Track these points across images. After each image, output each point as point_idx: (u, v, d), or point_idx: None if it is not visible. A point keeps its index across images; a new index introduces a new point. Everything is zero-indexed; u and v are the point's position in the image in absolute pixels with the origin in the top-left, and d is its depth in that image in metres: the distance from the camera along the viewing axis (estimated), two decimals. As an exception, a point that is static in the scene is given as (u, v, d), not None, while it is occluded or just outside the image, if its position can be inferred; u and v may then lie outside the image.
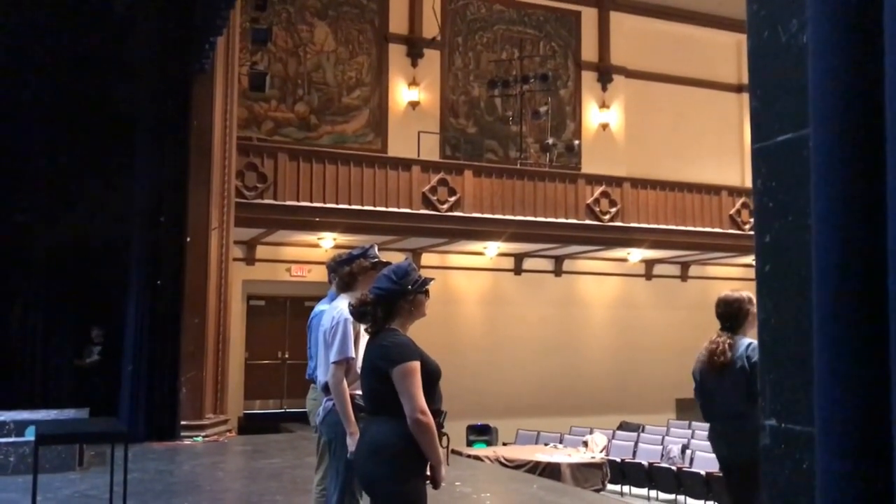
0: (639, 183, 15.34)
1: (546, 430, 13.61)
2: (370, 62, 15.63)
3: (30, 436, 7.19)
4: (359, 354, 3.75)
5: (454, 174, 13.94)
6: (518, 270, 16.42)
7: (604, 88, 17.45)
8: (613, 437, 13.21)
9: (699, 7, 17.69)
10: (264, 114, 14.70)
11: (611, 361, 16.60)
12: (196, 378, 10.13)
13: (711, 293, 17.29)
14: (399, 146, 15.10)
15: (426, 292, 3.20)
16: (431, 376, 3.04)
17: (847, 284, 1.12)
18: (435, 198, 13.64)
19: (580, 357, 16.38)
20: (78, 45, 10.37)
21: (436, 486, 3.06)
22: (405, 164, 13.76)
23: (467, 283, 15.94)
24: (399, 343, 3.03)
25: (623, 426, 14.60)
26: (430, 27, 15.96)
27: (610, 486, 11.28)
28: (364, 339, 3.35)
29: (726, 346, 4.16)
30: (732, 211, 15.87)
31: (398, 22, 15.83)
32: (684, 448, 11.86)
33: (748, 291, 3.99)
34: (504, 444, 13.58)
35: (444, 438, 3.16)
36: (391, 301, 3.09)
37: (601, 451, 11.83)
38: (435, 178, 13.73)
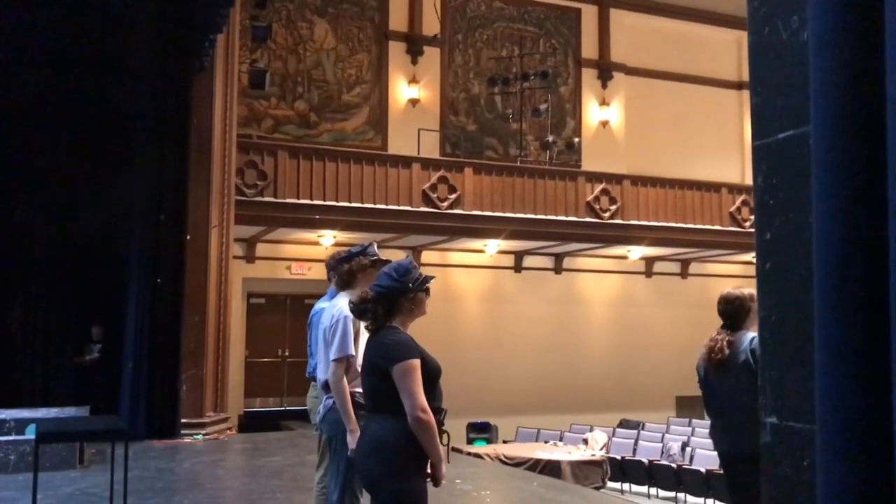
0: (639, 180, 15.34)
1: (546, 427, 13.61)
2: (370, 59, 15.62)
3: (30, 434, 7.20)
4: (359, 352, 3.75)
5: (454, 172, 13.94)
6: (518, 268, 16.42)
7: (604, 86, 17.44)
8: (613, 434, 13.21)
9: (699, 4, 17.68)
10: (264, 111, 14.70)
11: (611, 359, 16.60)
12: (196, 376, 10.13)
13: (712, 290, 17.25)
14: (399, 144, 15.09)
15: (427, 290, 3.20)
16: (432, 374, 3.04)
17: (848, 282, 1.12)
18: (435, 195, 13.64)
19: (580, 355, 16.38)
20: (77, 44, 10.36)
21: (436, 483, 3.06)
22: (405, 161, 13.75)
23: (467, 280, 15.94)
24: (399, 341, 3.03)
25: (623, 424, 14.60)
26: (430, 24, 15.95)
27: (610, 484, 11.28)
28: (364, 336, 3.35)
29: (724, 343, 4.15)
30: (733, 208, 15.87)
31: (398, 19, 15.82)
32: (684, 445, 11.87)
33: (751, 288, 3.99)
34: (504, 442, 13.60)
35: (445, 436, 3.16)
36: (392, 299, 3.09)
37: (601, 449, 11.83)
38: (435, 176, 13.73)
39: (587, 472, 10.61)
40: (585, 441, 12.11)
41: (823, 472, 1.14)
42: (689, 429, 13.30)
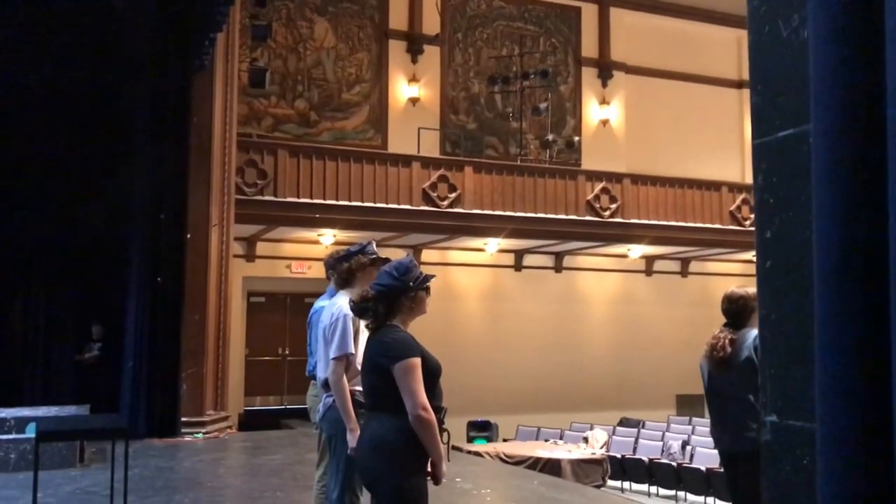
0: (639, 179, 15.34)
1: (546, 426, 13.62)
2: (370, 58, 15.62)
3: (31, 433, 7.21)
4: (359, 350, 3.75)
5: (454, 170, 13.94)
6: (518, 267, 16.42)
7: (604, 84, 17.44)
8: (614, 433, 13.22)
9: (699, 3, 17.68)
10: (264, 110, 14.70)
11: (611, 357, 16.61)
12: (196, 374, 10.13)
13: (712, 289, 17.30)
14: (399, 142, 15.09)
15: (427, 289, 3.20)
16: (432, 373, 3.04)
17: (848, 280, 1.12)
18: (435, 194, 13.64)
19: (580, 353, 16.39)
20: (78, 43, 10.36)
21: (437, 482, 3.06)
22: (405, 160, 13.75)
23: (467, 279, 15.95)
24: (400, 339, 3.03)
25: (623, 422, 14.61)
26: (430, 23, 15.95)
27: (610, 482, 11.28)
28: (364, 335, 3.35)
29: (726, 341, 4.17)
30: (733, 207, 15.87)
31: (398, 18, 15.82)
32: (685, 444, 11.88)
33: (754, 288, 3.99)
34: (504, 441, 13.60)
35: (445, 434, 3.16)
36: (392, 297, 3.09)
37: (601, 447, 11.83)
38: (435, 175, 13.73)
39: (587, 470, 10.61)
40: (586, 439, 12.11)
41: (823, 471, 1.14)
42: (690, 427, 13.31)
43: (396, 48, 15.79)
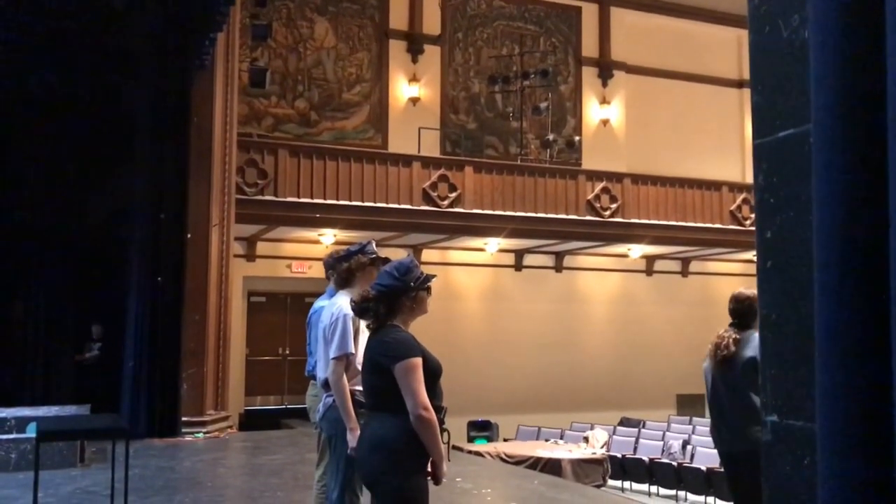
0: (639, 179, 15.34)
1: (547, 425, 13.62)
2: (370, 58, 15.62)
3: (31, 432, 7.21)
4: (359, 350, 3.75)
5: (454, 170, 13.94)
6: (518, 266, 16.42)
7: (604, 84, 17.43)
8: (614, 432, 13.22)
9: (700, 2, 17.67)
10: (264, 110, 14.70)
11: (611, 357, 16.61)
12: (197, 374, 10.13)
13: (712, 289, 17.29)
14: (399, 142, 15.09)
15: (428, 289, 3.20)
16: (433, 373, 3.04)
17: (848, 280, 1.12)
18: (435, 194, 13.64)
19: (581, 353, 16.39)
20: (78, 43, 10.36)
21: (437, 482, 3.06)
22: (405, 160, 13.75)
23: (468, 279, 15.95)
24: (401, 339, 3.03)
25: (624, 422, 14.61)
26: (430, 23, 15.95)
27: (611, 482, 11.28)
28: (364, 334, 3.35)
29: (731, 340, 4.19)
30: (733, 206, 15.86)
31: (398, 18, 15.82)
32: (685, 444, 11.87)
33: None
34: (505, 440, 13.60)
35: (445, 434, 3.15)
36: (393, 297, 3.09)
37: (602, 447, 11.83)
38: (435, 175, 13.73)
39: (588, 470, 10.61)
40: (586, 439, 12.10)
41: (823, 471, 1.14)
42: (690, 427, 13.31)
43: (397, 48, 15.79)
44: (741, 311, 4.26)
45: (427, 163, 13.97)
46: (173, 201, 10.03)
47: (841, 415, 1.11)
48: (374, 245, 4.26)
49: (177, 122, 10.10)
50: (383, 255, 4.11)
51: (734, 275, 16.89)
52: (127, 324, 9.98)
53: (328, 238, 13.64)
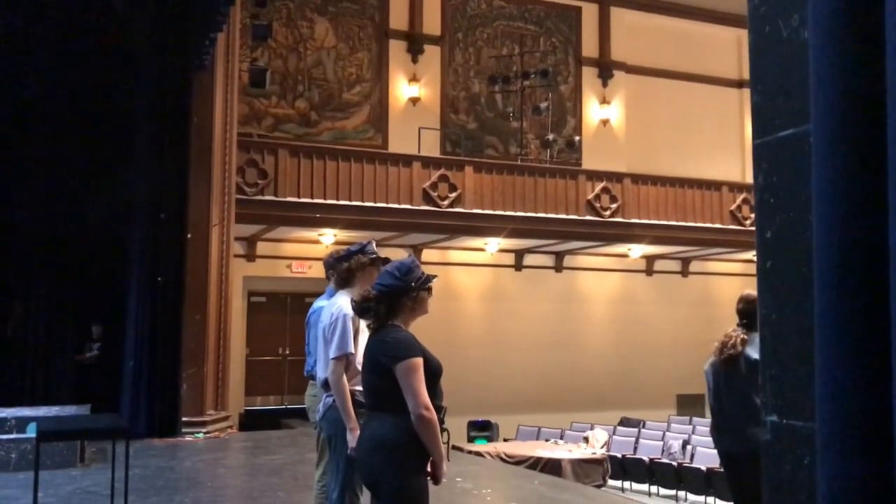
0: (639, 179, 15.34)
1: (547, 425, 13.62)
2: (370, 58, 15.62)
3: (31, 432, 7.21)
4: (358, 350, 3.75)
5: (455, 170, 13.94)
6: (519, 266, 16.42)
7: (604, 84, 17.44)
8: (614, 432, 13.21)
9: (699, 2, 17.67)
10: (265, 110, 14.70)
11: (611, 357, 16.61)
12: (197, 374, 10.14)
13: (712, 289, 17.27)
14: (399, 142, 15.09)
15: (429, 289, 3.20)
16: (433, 373, 3.04)
17: (848, 280, 1.12)
18: (435, 194, 13.64)
19: (581, 353, 16.39)
20: (78, 42, 10.36)
21: (437, 481, 3.06)
22: (406, 160, 13.75)
23: (468, 279, 15.95)
24: (402, 339, 3.03)
25: (624, 422, 14.61)
26: (431, 23, 15.95)
27: (611, 482, 11.28)
28: (364, 334, 3.35)
29: (738, 340, 4.20)
30: (733, 206, 15.86)
31: (398, 18, 15.82)
32: (685, 444, 11.87)
33: None
34: (505, 440, 13.60)
35: (445, 434, 3.15)
36: (394, 297, 3.09)
37: (602, 447, 11.83)
38: (435, 175, 13.73)
39: (588, 470, 10.61)
40: (586, 439, 12.11)
41: (824, 471, 1.14)
42: (690, 427, 13.31)
43: (397, 48, 15.79)
44: (750, 312, 4.24)
45: (427, 163, 13.97)
46: (173, 201, 10.02)
47: (841, 415, 1.11)
48: (374, 245, 4.26)
49: (177, 122, 10.10)
50: (383, 255, 4.12)
51: (734, 275, 16.91)
52: (127, 324, 9.98)
53: (328, 238, 13.64)
